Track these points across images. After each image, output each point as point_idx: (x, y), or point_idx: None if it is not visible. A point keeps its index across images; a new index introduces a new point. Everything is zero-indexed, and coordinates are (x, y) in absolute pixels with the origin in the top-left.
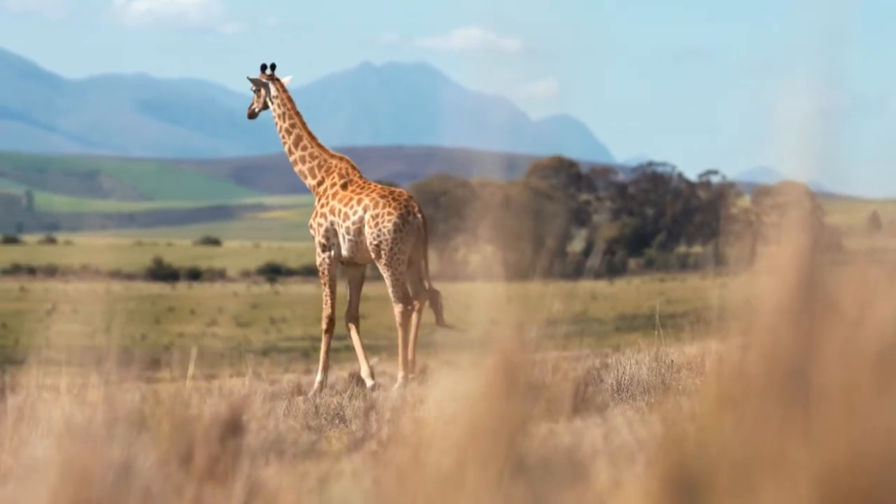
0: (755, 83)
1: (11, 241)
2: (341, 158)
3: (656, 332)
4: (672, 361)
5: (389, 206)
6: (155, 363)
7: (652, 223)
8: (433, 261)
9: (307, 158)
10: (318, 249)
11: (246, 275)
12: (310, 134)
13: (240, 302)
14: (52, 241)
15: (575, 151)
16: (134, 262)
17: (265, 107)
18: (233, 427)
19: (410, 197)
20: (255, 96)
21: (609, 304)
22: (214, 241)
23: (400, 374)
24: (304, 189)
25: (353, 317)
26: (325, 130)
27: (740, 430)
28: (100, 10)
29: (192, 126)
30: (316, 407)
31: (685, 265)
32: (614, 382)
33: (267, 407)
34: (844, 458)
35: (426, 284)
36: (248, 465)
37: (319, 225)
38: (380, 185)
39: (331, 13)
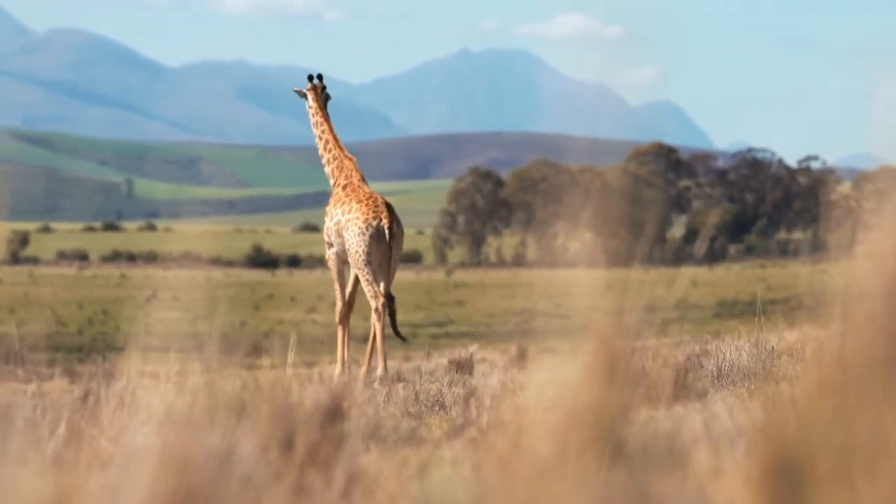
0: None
1: (112, 228)
2: (350, 159)
3: (757, 319)
4: (772, 348)
5: (360, 211)
6: (255, 350)
7: (752, 209)
8: (531, 247)
9: (331, 160)
10: (326, 247)
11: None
12: (335, 137)
13: None
14: (151, 228)
15: (674, 137)
16: (233, 249)
17: None
18: (333, 414)
19: (386, 205)
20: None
21: (709, 291)
22: (314, 228)
23: (379, 368)
24: (405, 175)
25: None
26: (425, 117)
27: (841, 416)
28: None
29: (292, 113)
30: (416, 394)
31: (785, 251)
32: (714, 369)
33: (367, 393)
34: None
35: (386, 289)
36: (348, 451)
37: (325, 224)
38: (365, 191)
39: (432, 0)
